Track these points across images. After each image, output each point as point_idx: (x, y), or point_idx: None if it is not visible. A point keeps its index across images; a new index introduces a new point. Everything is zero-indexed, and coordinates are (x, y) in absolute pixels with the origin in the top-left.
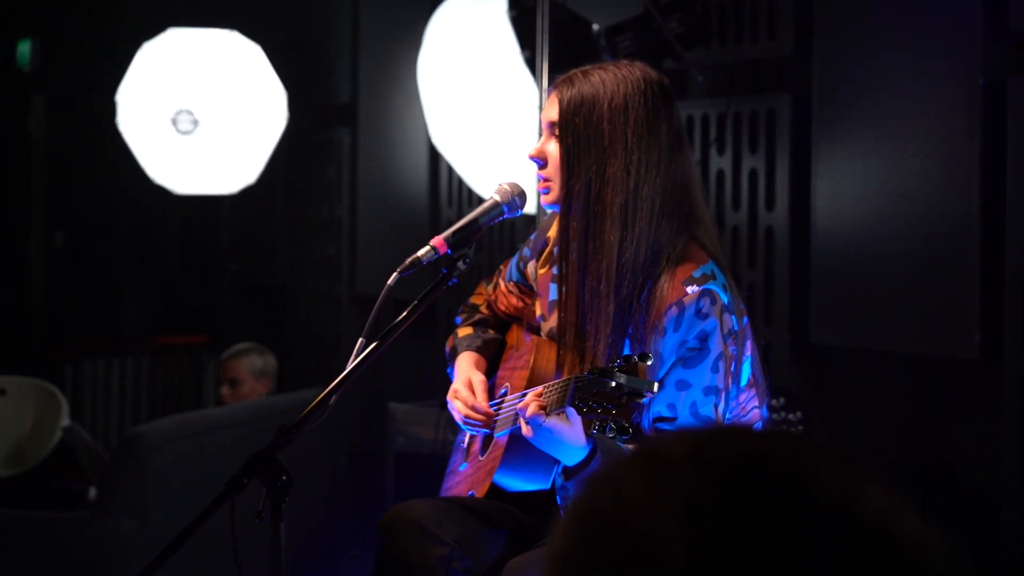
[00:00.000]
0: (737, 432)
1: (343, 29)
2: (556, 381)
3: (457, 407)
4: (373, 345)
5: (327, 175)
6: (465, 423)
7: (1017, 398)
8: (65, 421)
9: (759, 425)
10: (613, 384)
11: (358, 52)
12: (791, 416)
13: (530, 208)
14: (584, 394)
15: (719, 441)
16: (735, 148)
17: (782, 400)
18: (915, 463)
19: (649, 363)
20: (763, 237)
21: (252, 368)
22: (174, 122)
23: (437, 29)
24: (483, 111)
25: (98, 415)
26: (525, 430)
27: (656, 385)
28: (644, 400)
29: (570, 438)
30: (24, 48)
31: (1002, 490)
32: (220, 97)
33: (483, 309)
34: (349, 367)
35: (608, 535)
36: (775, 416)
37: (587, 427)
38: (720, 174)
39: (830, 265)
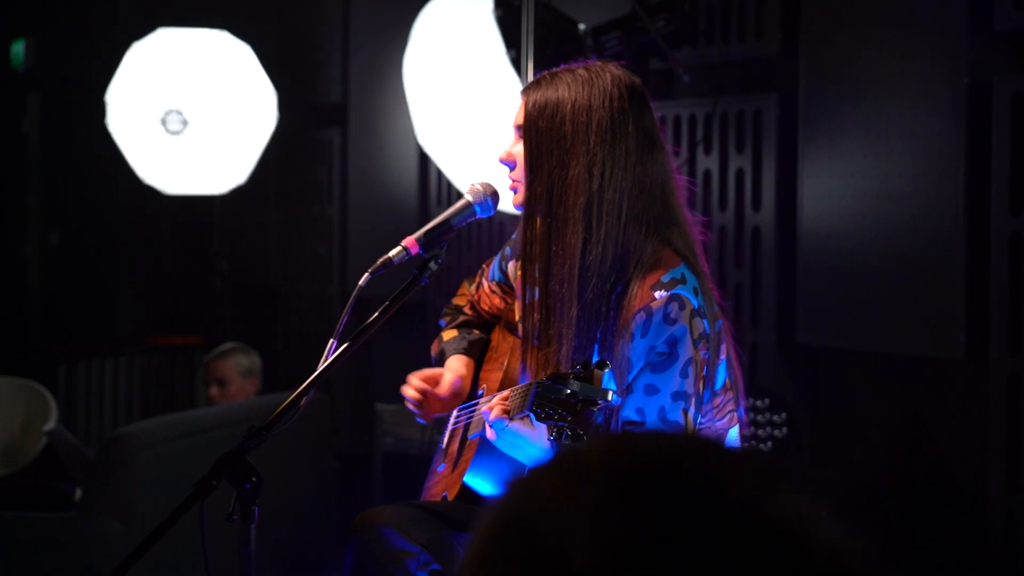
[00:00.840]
0: (653, 437)
1: (334, 29)
2: (521, 385)
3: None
4: (344, 346)
5: (318, 175)
6: (408, 405)
7: (1003, 398)
8: (49, 425)
9: (736, 427)
10: (568, 391)
11: (349, 52)
12: (775, 417)
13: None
14: (542, 400)
15: (634, 445)
16: (722, 148)
17: (767, 401)
18: (901, 463)
19: (607, 370)
20: (750, 237)
21: (239, 368)
22: (163, 122)
23: (423, 28)
24: (469, 111)
25: (92, 416)
26: (488, 433)
27: (610, 393)
28: (598, 408)
29: (533, 442)
30: (19, 48)
31: (988, 490)
32: (210, 97)
33: (467, 310)
34: (320, 368)
35: (520, 536)
36: (759, 417)
37: (549, 433)
38: (707, 174)
39: (816, 265)
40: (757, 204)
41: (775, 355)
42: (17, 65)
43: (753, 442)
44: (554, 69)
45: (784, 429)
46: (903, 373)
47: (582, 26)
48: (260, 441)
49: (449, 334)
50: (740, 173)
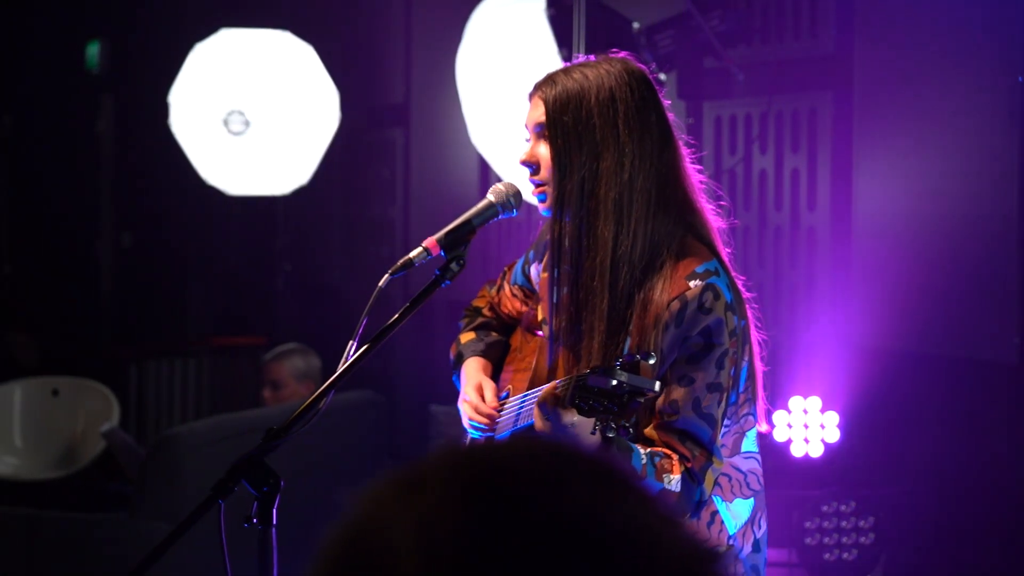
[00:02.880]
0: (494, 446)
1: (396, 29)
2: (564, 378)
3: (464, 410)
4: (364, 348)
5: (380, 175)
6: (471, 426)
7: None
8: (105, 426)
9: (754, 429)
10: (614, 382)
11: (411, 52)
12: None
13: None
14: (585, 392)
15: (471, 455)
16: (777, 147)
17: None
18: (953, 465)
19: (652, 362)
20: (805, 237)
21: (294, 370)
22: (225, 123)
23: (475, 28)
24: (520, 110)
25: (162, 416)
26: (538, 422)
27: (658, 384)
28: (644, 399)
29: (581, 436)
30: (93, 50)
31: None
32: (272, 98)
33: (485, 312)
34: (339, 370)
35: (355, 551)
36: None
37: (593, 426)
38: (762, 174)
39: (871, 266)
40: (812, 204)
41: (829, 356)
42: (91, 67)
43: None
44: (565, 65)
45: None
46: (957, 375)
47: (636, 25)
48: (278, 444)
49: (467, 336)
50: (795, 173)
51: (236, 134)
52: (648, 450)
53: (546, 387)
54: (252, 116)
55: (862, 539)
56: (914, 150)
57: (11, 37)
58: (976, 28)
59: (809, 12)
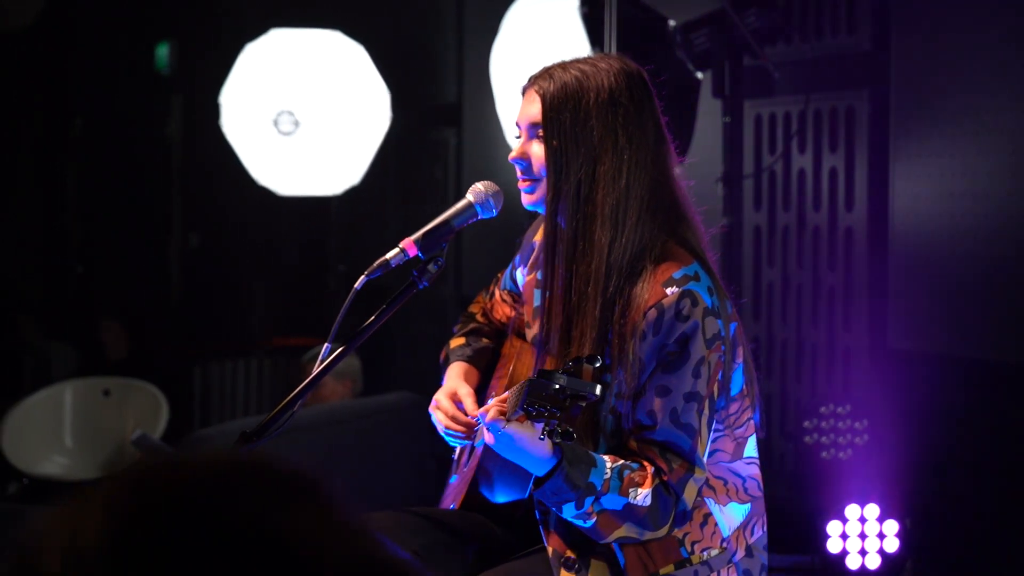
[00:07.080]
0: (175, 459)
1: (448, 28)
2: (518, 384)
3: (438, 418)
4: (340, 350)
5: (433, 175)
6: (446, 435)
7: None
8: (135, 434)
9: (754, 435)
10: (556, 386)
11: (463, 51)
12: (857, 424)
13: None
14: (534, 397)
15: (145, 468)
16: (815, 146)
17: (848, 407)
18: (985, 471)
19: (597, 365)
20: (843, 238)
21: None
22: (275, 123)
23: (509, 26)
24: None
25: (225, 416)
26: (487, 437)
27: (598, 388)
28: (586, 403)
29: (532, 445)
30: (162, 51)
31: None
32: (322, 98)
33: (479, 318)
34: (315, 372)
35: (16, 559)
36: (840, 424)
37: (542, 432)
38: (801, 173)
39: (909, 267)
40: (850, 204)
41: (867, 360)
42: (160, 68)
43: (832, 450)
44: (562, 61)
45: (865, 437)
46: (994, 379)
47: (672, 23)
48: (251, 447)
49: (456, 341)
50: (833, 172)
51: (286, 134)
52: (619, 463)
53: (494, 400)
54: (302, 116)
55: (887, 545)
56: (951, 149)
57: (81, 40)
58: (1014, 25)
59: (846, 9)
